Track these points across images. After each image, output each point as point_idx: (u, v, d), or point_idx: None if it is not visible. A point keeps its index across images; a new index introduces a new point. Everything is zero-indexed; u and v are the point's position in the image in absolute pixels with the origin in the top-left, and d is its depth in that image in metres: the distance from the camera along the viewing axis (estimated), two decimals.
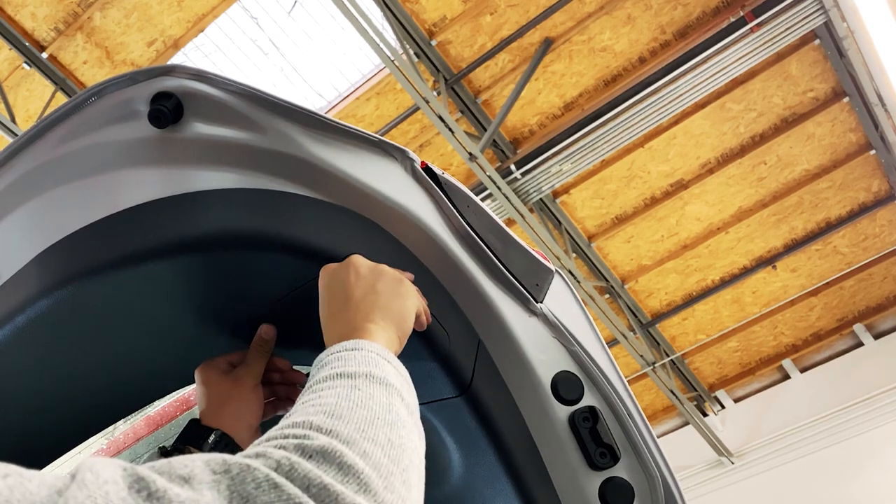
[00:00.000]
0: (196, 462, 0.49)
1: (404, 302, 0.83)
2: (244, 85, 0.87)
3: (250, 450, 0.53)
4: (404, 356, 0.93)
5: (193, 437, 0.90)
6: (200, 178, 0.87)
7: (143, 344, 0.99)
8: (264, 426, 0.96)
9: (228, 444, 0.90)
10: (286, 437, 0.55)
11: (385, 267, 0.86)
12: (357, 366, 0.68)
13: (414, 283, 0.90)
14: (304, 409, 0.60)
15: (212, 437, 0.89)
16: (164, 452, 0.89)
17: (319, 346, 1.05)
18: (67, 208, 0.88)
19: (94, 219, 0.87)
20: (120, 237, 0.87)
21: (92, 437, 1.17)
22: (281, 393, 1.02)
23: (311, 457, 0.52)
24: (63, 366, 0.97)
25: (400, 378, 0.70)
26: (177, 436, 0.92)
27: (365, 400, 0.62)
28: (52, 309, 0.88)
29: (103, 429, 1.11)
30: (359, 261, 0.85)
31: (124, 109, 0.86)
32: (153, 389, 1.08)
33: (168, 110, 0.84)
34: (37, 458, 1.06)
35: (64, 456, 1.13)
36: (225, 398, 0.93)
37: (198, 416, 0.94)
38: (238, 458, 0.51)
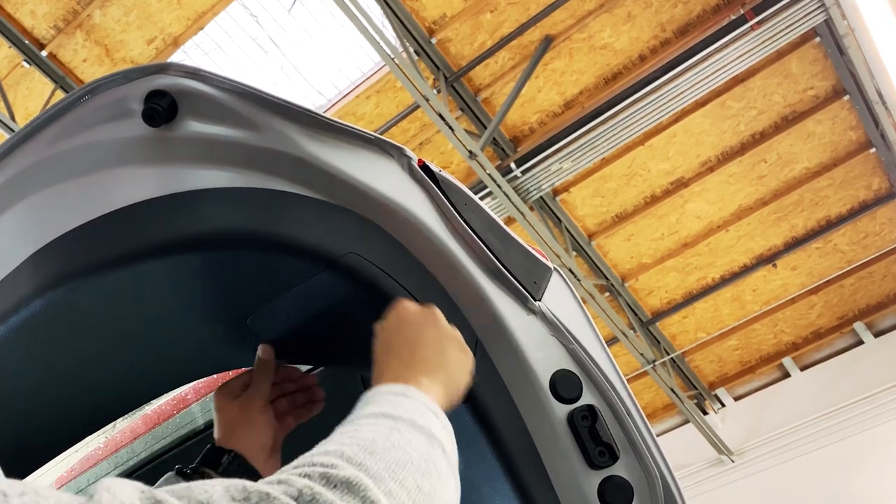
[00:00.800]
0: (216, 487, 0.48)
1: (465, 377, 0.84)
2: (239, 83, 0.86)
3: (274, 476, 0.52)
4: None
5: (210, 460, 0.93)
6: (195, 177, 0.87)
7: (139, 343, 0.99)
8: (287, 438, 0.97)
9: (241, 465, 0.92)
10: (313, 464, 0.54)
11: (459, 334, 0.86)
12: (403, 411, 0.67)
13: (414, 281, 0.90)
14: (339, 439, 0.60)
15: (225, 458, 0.92)
16: (182, 474, 0.91)
17: (320, 346, 1.05)
18: (61, 208, 0.87)
19: (89, 218, 0.87)
20: (114, 237, 0.86)
21: (89, 436, 1.17)
22: (299, 400, 1.03)
23: (335, 486, 0.51)
24: (59, 365, 0.97)
25: (444, 432, 0.69)
26: (198, 459, 0.94)
27: (403, 444, 0.61)
28: (47, 309, 0.87)
29: (100, 428, 1.11)
30: (440, 317, 0.86)
31: (118, 108, 0.86)
32: (149, 389, 1.08)
33: (162, 109, 0.83)
34: (35, 457, 1.06)
35: (61, 455, 1.13)
36: (236, 422, 0.96)
37: (214, 440, 0.97)
38: (259, 485, 0.50)
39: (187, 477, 0.90)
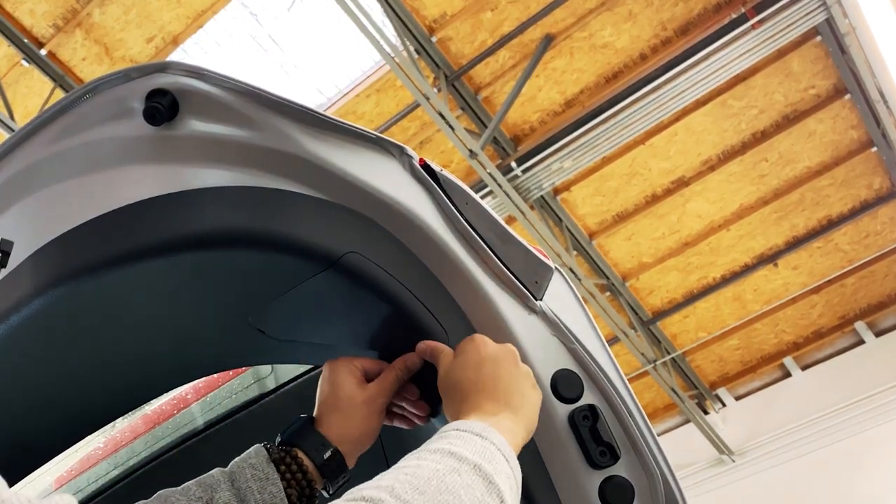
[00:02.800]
0: None
1: (536, 413, 0.84)
2: (240, 82, 0.86)
3: None
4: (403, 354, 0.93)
5: (308, 444, 0.87)
6: (196, 176, 0.87)
7: (139, 343, 0.99)
8: None
9: (340, 466, 0.87)
10: (363, 498, 0.55)
11: (531, 372, 0.87)
12: (472, 453, 0.67)
13: (415, 281, 0.90)
14: (396, 475, 0.61)
15: (327, 455, 0.86)
16: (269, 451, 0.85)
17: (320, 345, 1.05)
18: (62, 206, 0.87)
19: (89, 217, 0.87)
20: (115, 235, 0.86)
21: (89, 436, 1.17)
22: (405, 414, 0.98)
23: None
24: (59, 365, 0.97)
25: (509, 481, 0.68)
26: (287, 431, 0.88)
27: (457, 488, 0.61)
28: (47, 308, 0.87)
29: (100, 428, 1.11)
30: (516, 354, 0.86)
31: (119, 107, 0.85)
32: (150, 388, 1.08)
33: (163, 107, 0.83)
34: (34, 457, 1.06)
35: (61, 455, 1.13)
36: (350, 409, 0.90)
37: (314, 413, 0.91)
38: None
39: (273, 456, 0.84)
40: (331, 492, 0.88)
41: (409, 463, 0.63)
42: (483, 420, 0.75)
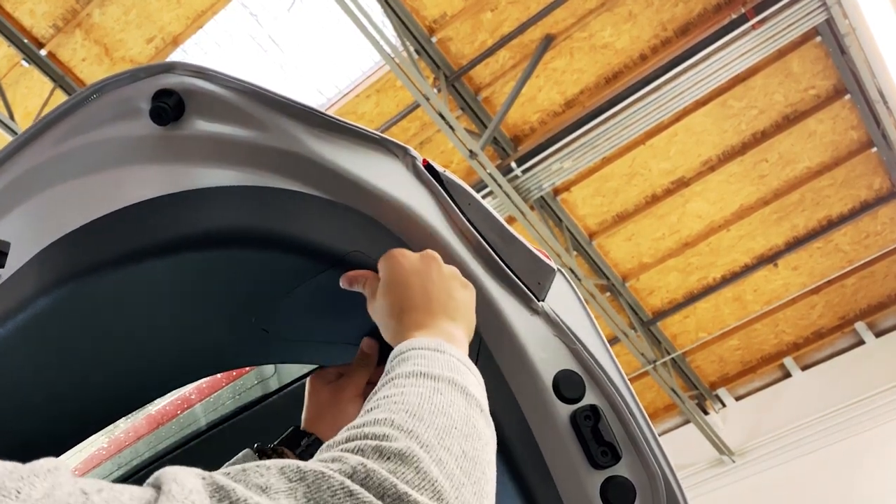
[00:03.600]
0: (271, 470, 0.49)
1: (473, 313, 0.84)
2: (246, 82, 0.87)
3: (326, 454, 0.53)
4: None
5: (291, 442, 0.94)
6: (202, 176, 0.87)
7: (144, 343, 0.99)
8: None
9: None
10: (366, 436, 0.55)
11: (457, 271, 0.85)
12: (441, 369, 0.67)
13: None
14: (388, 405, 0.60)
15: (304, 441, 0.93)
16: (260, 452, 0.91)
17: (326, 344, 1.05)
18: (68, 206, 0.87)
19: (95, 216, 0.87)
20: (121, 235, 0.86)
21: (93, 436, 1.17)
22: None
23: (388, 458, 0.52)
24: (63, 364, 0.97)
25: (479, 388, 0.69)
26: (280, 438, 0.95)
27: (446, 406, 0.62)
28: (52, 307, 0.87)
29: (104, 427, 1.11)
30: (437, 258, 0.84)
31: (125, 107, 0.86)
32: (153, 388, 1.08)
33: (169, 107, 0.84)
34: (38, 456, 1.06)
35: (64, 455, 1.13)
36: (325, 407, 0.96)
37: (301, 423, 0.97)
38: (313, 464, 0.51)
39: (264, 455, 0.90)
40: None
41: (392, 392, 0.63)
42: (430, 335, 0.74)
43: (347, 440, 0.55)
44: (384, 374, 0.68)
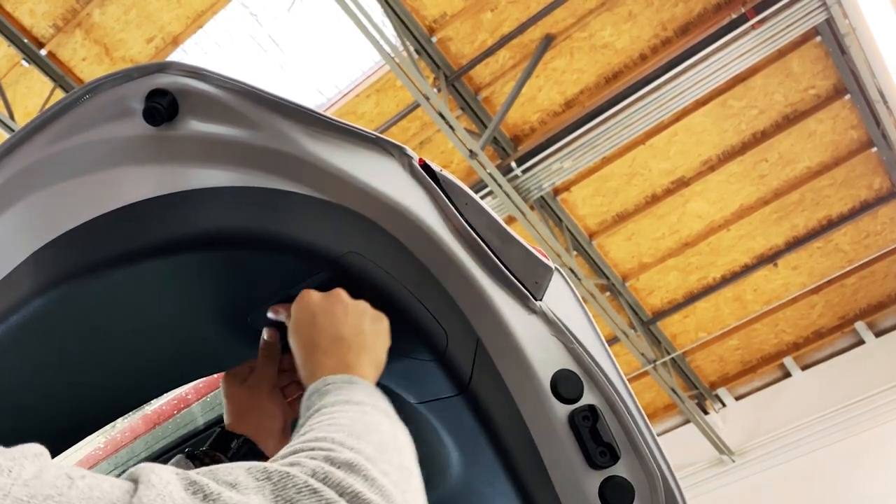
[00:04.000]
0: (238, 470, 0.52)
1: (384, 343, 0.87)
2: (240, 82, 0.86)
3: (283, 460, 0.56)
4: (403, 355, 0.93)
5: (220, 444, 0.94)
6: (196, 176, 0.87)
7: (140, 343, 0.99)
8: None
9: (251, 449, 0.93)
10: (313, 448, 0.58)
11: (367, 306, 0.87)
12: (361, 396, 0.72)
13: (414, 281, 0.90)
14: (323, 427, 0.64)
15: (234, 443, 0.94)
16: (192, 457, 0.92)
17: None
18: (62, 206, 0.87)
19: (89, 217, 0.87)
20: (115, 236, 0.86)
21: (89, 437, 1.17)
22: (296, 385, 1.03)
23: (339, 467, 0.55)
24: (59, 365, 0.97)
25: (395, 413, 0.74)
26: (208, 442, 0.95)
27: (376, 426, 0.66)
28: (47, 308, 0.87)
29: (100, 427, 1.11)
30: (345, 296, 0.87)
31: (119, 107, 0.86)
32: (150, 388, 1.08)
33: (163, 108, 0.83)
34: None
35: (61, 455, 1.12)
36: (244, 407, 0.97)
37: (225, 425, 0.98)
38: (276, 465, 0.54)
39: (197, 459, 0.91)
40: None
41: (323, 419, 0.66)
42: (340, 371, 0.78)
43: (295, 452, 0.58)
44: (305, 409, 0.71)
